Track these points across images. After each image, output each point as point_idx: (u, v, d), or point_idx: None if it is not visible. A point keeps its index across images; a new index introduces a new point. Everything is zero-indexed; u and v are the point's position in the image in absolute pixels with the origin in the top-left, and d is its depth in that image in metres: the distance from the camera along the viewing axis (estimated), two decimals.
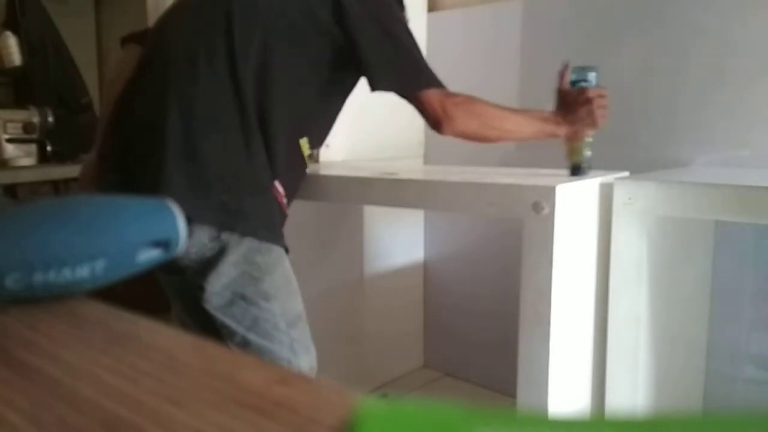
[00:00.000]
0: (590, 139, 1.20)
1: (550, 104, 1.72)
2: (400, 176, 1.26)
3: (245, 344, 1.01)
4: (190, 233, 0.96)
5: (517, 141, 1.17)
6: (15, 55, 2.27)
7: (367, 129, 1.76)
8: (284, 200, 1.08)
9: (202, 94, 0.99)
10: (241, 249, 0.99)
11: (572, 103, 1.17)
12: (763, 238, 1.39)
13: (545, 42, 1.74)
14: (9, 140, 2.11)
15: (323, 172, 1.41)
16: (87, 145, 2.55)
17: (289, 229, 1.11)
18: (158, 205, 0.43)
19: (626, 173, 1.25)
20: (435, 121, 1.07)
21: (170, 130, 0.96)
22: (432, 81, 1.09)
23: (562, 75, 1.21)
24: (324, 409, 0.24)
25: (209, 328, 1.03)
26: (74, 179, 2.28)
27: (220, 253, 0.98)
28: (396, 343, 2.00)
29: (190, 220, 0.95)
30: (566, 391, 1.13)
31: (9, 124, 2.11)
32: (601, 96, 1.16)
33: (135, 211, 0.42)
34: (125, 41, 1.24)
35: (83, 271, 0.38)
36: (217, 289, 0.99)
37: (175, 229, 0.42)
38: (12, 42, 2.26)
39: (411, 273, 2.04)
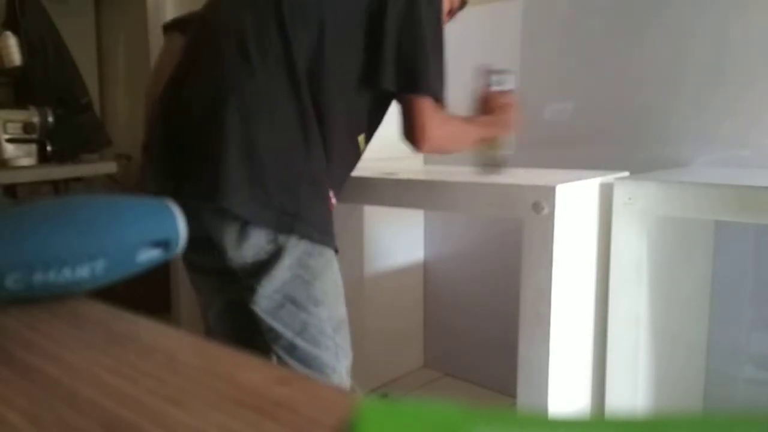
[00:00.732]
0: (499, 140, 1.27)
1: (549, 103, 1.72)
2: (400, 176, 1.26)
3: (292, 348, 0.99)
4: (247, 236, 0.94)
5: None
6: (15, 55, 2.27)
7: None
8: (333, 199, 1.07)
9: (259, 89, 0.95)
10: (296, 252, 0.96)
11: (494, 106, 1.21)
12: (763, 238, 1.39)
13: (545, 42, 1.74)
14: (9, 140, 2.11)
15: None
16: (87, 145, 2.55)
17: None
18: (158, 205, 0.43)
19: (626, 173, 1.25)
20: (414, 136, 1.05)
21: (228, 127, 0.92)
22: (435, 90, 1.05)
23: (481, 79, 1.25)
24: (324, 409, 0.24)
25: (249, 330, 1.02)
26: (75, 179, 2.28)
27: (275, 256, 0.95)
28: (396, 343, 2.00)
29: (246, 223, 0.93)
30: (566, 391, 1.13)
31: (9, 124, 2.11)
32: (517, 102, 1.23)
33: (135, 211, 0.42)
34: (167, 29, 1.19)
35: (83, 271, 0.38)
36: (268, 292, 0.97)
37: (175, 229, 0.42)
38: (12, 42, 2.26)
39: (411, 273, 2.04)
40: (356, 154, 1.12)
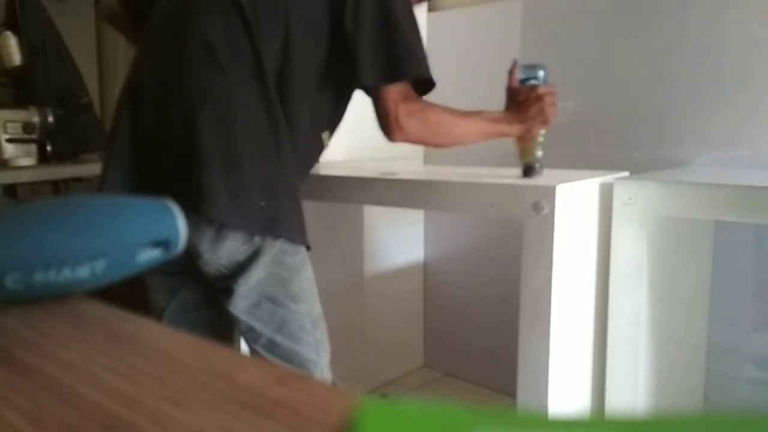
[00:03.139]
0: (542, 138, 1.20)
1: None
2: (400, 176, 1.26)
3: (272, 346, 0.99)
4: (223, 239, 0.95)
5: (472, 143, 1.17)
6: (15, 55, 2.26)
7: (367, 129, 1.76)
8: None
9: (231, 97, 0.95)
10: (272, 251, 0.97)
11: (523, 101, 1.17)
12: (763, 238, 1.39)
13: (545, 42, 1.74)
14: (9, 140, 2.11)
15: (323, 172, 1.41)
16: (87, 145, 2.55)
17: None
18: (158, 205, 0.43)
19: (626, 173, 1.25)
20: (386, 125, 1.04)
21: (203, 135, 0.92)
22: (422, 72, 1.03)
23: (511, 73, 1.20)
24: (324, 409, 0.24)
25: (202, 333, 1.02)
26: (75, 179, 2.28)
27: (252, 256, 0.96)
28: (396, 343, 2.00)
29: (222, 227, 0.93)
30: (566, 391, 1.13)
31: (9, 124, 2.11)
32: (551, 94, 1.17)
33: (135, 211, 0.42)
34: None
35: (83, 271, 0.38)
36: (245, 291, 0.97)
37: (175, 229, 0.42)
38: (12, 42, 2.25)
39: (411, 273, 2.03)
40: (320, 150, 1.13)
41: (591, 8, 1.63)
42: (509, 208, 1.08)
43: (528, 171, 1.19)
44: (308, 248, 1.04)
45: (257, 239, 0.96)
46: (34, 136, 2.16)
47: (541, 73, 1.19)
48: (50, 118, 2.18)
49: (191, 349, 0.32)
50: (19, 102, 2.35)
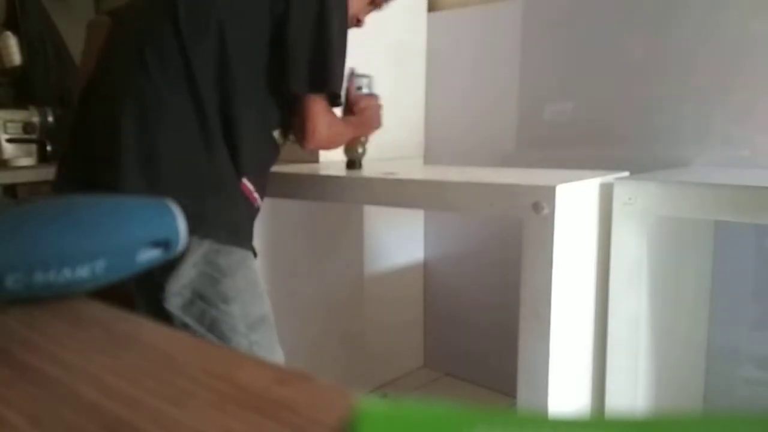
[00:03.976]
0: (364, 139, 1.40)
1: (549, 103, 1.72)
2: (400, 176, 1.26)
3: None
4: None
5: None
6: (15, 55, 2.26)
7: None
8: (255, 194, 1.10)
9: (157, 97, 0.99)
10: (200, 250, 0.99)
11: (360, 107, 1.31)
12: (763, 238, 1.39)
13: (545, 42, 1.74)
14: (9, 140, 2.11)
15: (323, 172, 1.41)
16: None
17: (289, 229, 1.11)
18: (158, 205, 0.43)
19: (626, 173, 1.25)
20: (305, 132, 1.11)
21: (125, 134, 0.96)
22: (336, 91, 1.10)
23: (349, 81, 1.31)
24: (324, 409, 0.24)
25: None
26: None
27: (180, 255, 0.99)
28: (396, 343, 2.00)
29: None
30: (566, 391, 1.13)
31: (9, 124, 2.11)
32: (380, 103, 1.35)
33: (135, 211, 0.42)
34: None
35: (83, 271, 0.38)
36: (176, 289, 0.99)
37: (175, 229, 0.42)
38: (12, 42, 2.25)
39: (411, 273, 2.04)
40: (275, 148, 1.16)
41: (590, 8, 1.63)
42: (509, 208, 1.08)
43: (351, 164, 1.41)
44: (255, 254, 1.06)
45: None
46: (34, 136, 2.16)
47: (367, 83, 1.36)
48: (50, 118, 2.18)
49: (191, 349, 0.32)
50: (19, 102, 2.35)
